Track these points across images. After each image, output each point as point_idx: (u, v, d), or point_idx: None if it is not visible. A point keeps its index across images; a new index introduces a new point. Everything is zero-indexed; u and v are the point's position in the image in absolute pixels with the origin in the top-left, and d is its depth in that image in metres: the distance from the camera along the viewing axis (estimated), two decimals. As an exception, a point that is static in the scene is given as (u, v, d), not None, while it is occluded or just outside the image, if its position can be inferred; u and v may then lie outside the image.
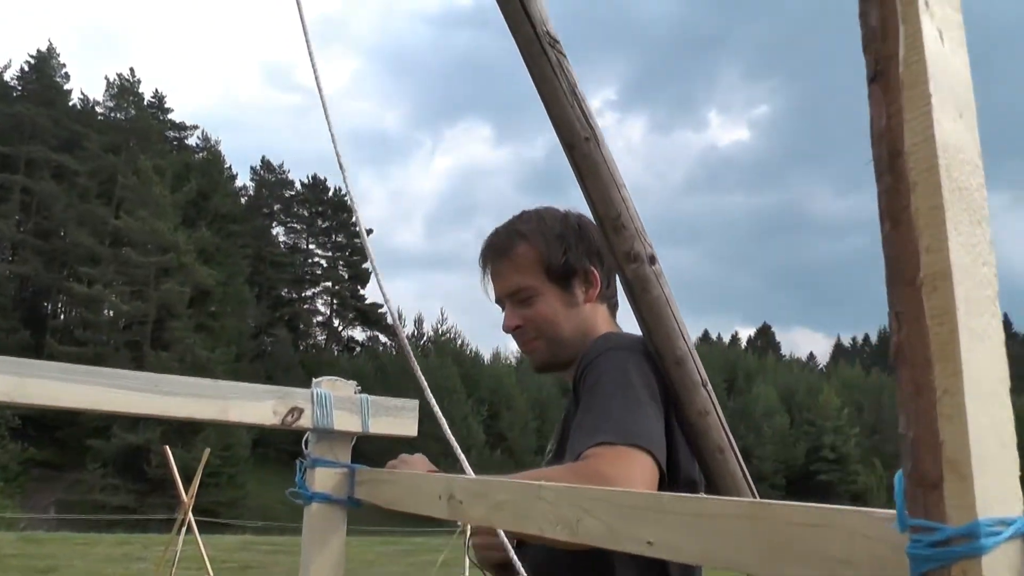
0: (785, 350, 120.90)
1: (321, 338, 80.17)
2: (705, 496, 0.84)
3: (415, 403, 1.79)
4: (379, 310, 78.39)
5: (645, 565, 1.71)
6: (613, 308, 2.01)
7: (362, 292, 79.09)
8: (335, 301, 79.59)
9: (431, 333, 71.72)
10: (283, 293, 77.25)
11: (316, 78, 1.98)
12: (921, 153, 0.59)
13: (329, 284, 78.94)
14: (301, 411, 1.66)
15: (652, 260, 1.81)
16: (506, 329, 1.93)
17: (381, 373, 58.00)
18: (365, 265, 78.67)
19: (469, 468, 1.64)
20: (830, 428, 71.97)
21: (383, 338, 78.67)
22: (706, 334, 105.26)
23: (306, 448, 1.70)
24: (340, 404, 1.69)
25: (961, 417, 0.56)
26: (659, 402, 1.70)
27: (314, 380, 1.71)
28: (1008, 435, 0.58)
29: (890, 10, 0.61)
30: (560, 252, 1.90)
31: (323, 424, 1.66)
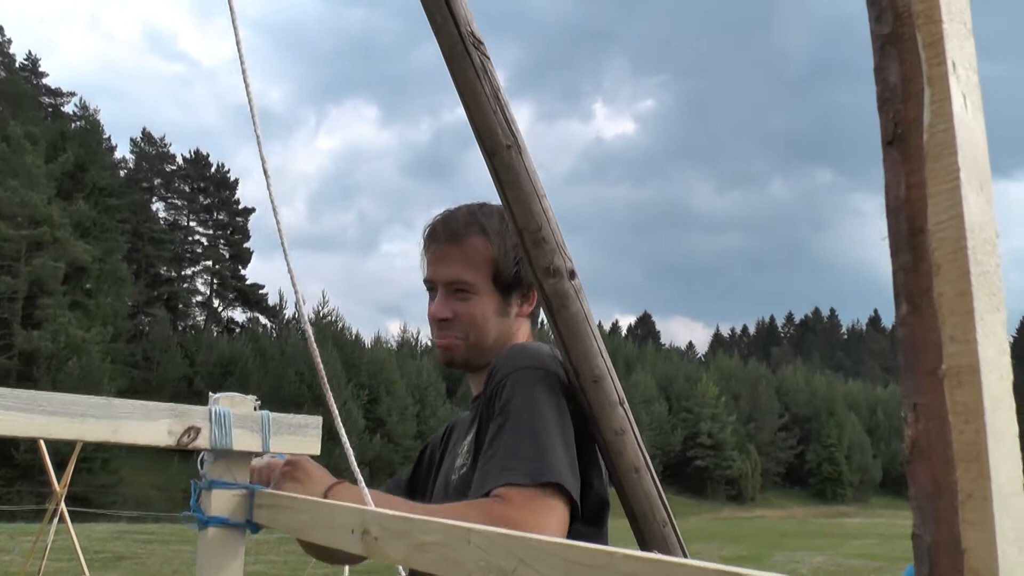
0: (665, 339, 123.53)
1: (200, 319, 78.43)
2: (663, 558, 0.78)
3: (318, 420, 1.70)
4: (260, 291, 77.21)
5: None
6: (534, 326, 1.97)
7: (243, 272, 77.69)
8: (215, 281, 77.93)
9: (312, 316, 70.74)
10: (162, 271, 75.34)
11: (240, 58, 1.86)
12: (947, 233, 0.54)
13: (209, 263, 77.16)
14: (198, 430, 1.55)
15: (572, 275, 1.76)
16: (432, 316, 1.85)
17: (260, 356, 57.09)
18: (247, 244, 77.36)
19: (365, 487, 1.54)
20: (707, 416, 73.82)
21: (264, 319, 77.43)
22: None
23: (202, 468, 1.60)
24: (239, 422, 1.59)
25: (988, 524, 0.52)
26: (570, 424, 1.67)
27: (212, 396, 1.61)
28: (1021, 530, 0.54)
29: (913, 69, 0.56)
30: (513, 262, 1.84)
31: (222, 444, 1.56)
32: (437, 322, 1.84)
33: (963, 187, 0.54)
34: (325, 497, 1.56)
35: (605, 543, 1.81)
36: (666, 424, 72.74)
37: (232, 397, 1.63)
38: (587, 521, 1.69)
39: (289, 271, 1.67)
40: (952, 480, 0.53)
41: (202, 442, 1.56)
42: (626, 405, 1.80)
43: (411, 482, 2.05)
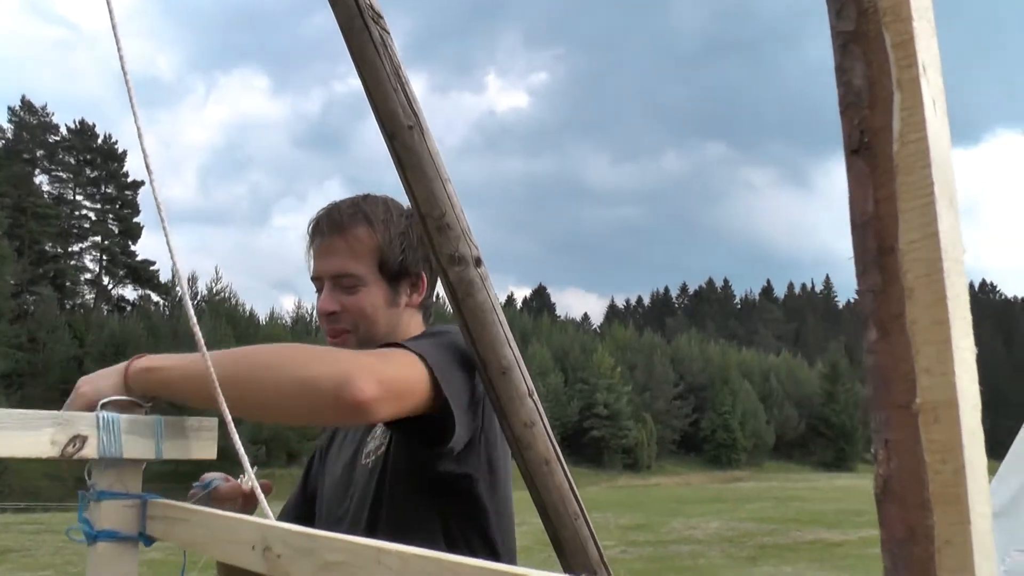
0: (560, 311, 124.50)
1: (89, 297, 76.26)
2: None
3: (214, 422, 1.60)
4: (151, 267, 75.38)
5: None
6: (427, 317, 1.92)
7: (133, 248, 75.76)
8: (104, 257, 75.77)
9: (205, 292, 69.47)
10: (47, 248, 72.89)
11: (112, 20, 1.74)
12: (921, 254, 0.49)
13: (98, 239, 75.01)
14: (85, 439, 1.44)
15: (478, 263, 1.70)
16: (321, 311, 1.78)
17: (153, 335, 55.82)
18: (137, 219, 75.35)
19: (253, 476, 1.47)
20: (603, 386, 74.71)
21: (155, 297, 75.65)
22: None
23: (89, 479, 1.50)
24: (129, 428, 1.49)
25: (968, 572, 0.47)
26: (478, 383, 1.66)
27: (100, 402, 1.50)
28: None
29: (880, 71, 0.51)
30: (399, 250, 1.79)
31: (110, 453, 1.45)
32: (326, 316, 1.79)
33: (937, 203, 0.49)
34: (128, 368, 1.51)
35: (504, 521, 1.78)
36: (562, 395, 73.46)
37: (121, 401, 1.52)
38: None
39: (168, 246, 1.57)
40: (928, 525, 0.48)
41: (89, 451, 1.44)
42: (535, 396, 1.75)
43: (304, 491, 1.99)
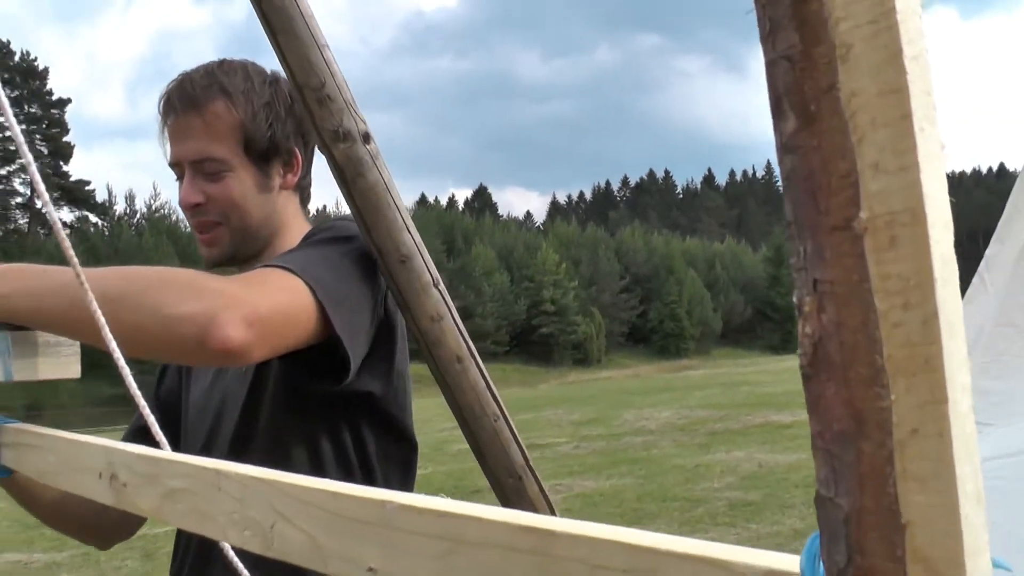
0: (502, 211, 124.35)
1: (23, 222, 74.48)
2: (453, 509, 0.55)
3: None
4: (86, 187, 73.76)
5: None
6: (305, 200, 1.69)
7: (65, 168, 73.89)
8: (34, 180, 73.75)
9: (144, 209, 68.18)
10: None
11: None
12: (861, -13, 0.31)
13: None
14: (-82, 361, 1.25)
15: (366, 138, 1.51)
16: (184, 204, 1.54)
17: (92, 256, 54.79)
18: (67, 139, 73.43)
19: (139, 396, 1.21)
20: (549, 283, 75.01)
21: (93, 218, 74.15)
22: (423, 198, 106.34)
23: None
24: (-31, 347, 1.29)
25: (945, 479, 0.30)
26: (374, 300, 1.46)
27: None
28: (980, 481, 0.33)
29: None
30: (265, 124, 1.54)
31: (-50, 376, 1.27)
32: (190, 209, 1.54)
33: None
34: None
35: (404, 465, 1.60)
36: (509, 295, 73.65)
37: None
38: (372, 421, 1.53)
39: (33, 180, 1.35)
40: (883, 408, 0.31)
41: (-82, 377, 1.26)
42: (442, 287, 1.59)
43: (155, 402, 1.75)
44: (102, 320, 1.05)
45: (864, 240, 0.31)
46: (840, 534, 0.33)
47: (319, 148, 1.49)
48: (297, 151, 1.60)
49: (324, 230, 1.52)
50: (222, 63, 1.58)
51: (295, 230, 1.61)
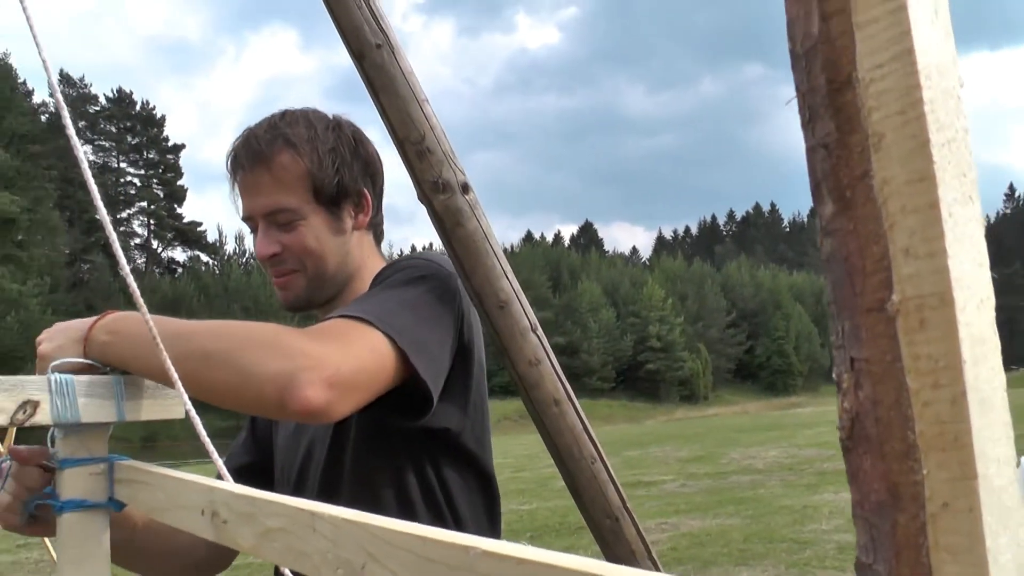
0: (608, 246, 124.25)
1: (140, 261, 77.28)
2: (533, 557, 0.57)
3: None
4: (198, 228, 76.13)
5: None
6: (379, 237, 1.72)
7: (179, 210, 76.52)
8: (152, 221, 76.67)
9: (251, 250, 70.01)
10: (96, 216, 73.70)
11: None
12: (890, 82, 0.33)
13: (144, 204, 75.88)
14: (36, 404, 1.31)
15: (465, 189, 1.55)
16: (261, 256, 1.58)
17: (204, 294, 56.41)
18: (180, 182, 76.03)
19: (204, 433, 1.23)
20: (655, 319, 74.42)
21: (205, 257, 76.47)
22: (529, 234, 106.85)
23: (52, 447, 1.38)
24: (86, 391, 1.36)
25: (976, 551, 0.32)
26: (451, 326, 1.47)
27: (52, 364, 1.37)
28: (1022, 553, 0.34)
29: None
30: (332, 169, 1.57)
31: (66, 418, 1.33)
32: (267, 260, 1.58)
33: (911, 6, 0.33)
34: (88, 334, 1.35)
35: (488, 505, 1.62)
36: (615, 330, 73.31)
37: (76, 363, 1.39)
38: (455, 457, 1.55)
39: (104, 220, 1.43)
40: (916, 481, 0.33)
41: (42, 417, 1.32)
42: (539, 331, 1.61)
43: (253, 434, 1.81)
44: (175, 376, 1.13)
45: (896, 322, 0.33)
46: (878, 600, 0.34)
47: (419, 199, 1.53)
48: (366, 191, 1.62)
49: (398, 270, 1.52)
50: (284, 114, 1.62)
51: (371, 268, 1.63)
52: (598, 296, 74.61)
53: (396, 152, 1.54)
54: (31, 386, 1.32)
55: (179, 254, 78.90)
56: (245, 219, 1.61)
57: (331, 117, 1.63)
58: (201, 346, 1.23)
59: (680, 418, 55.93)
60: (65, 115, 1.29)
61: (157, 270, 76.43)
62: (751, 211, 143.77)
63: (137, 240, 77.43)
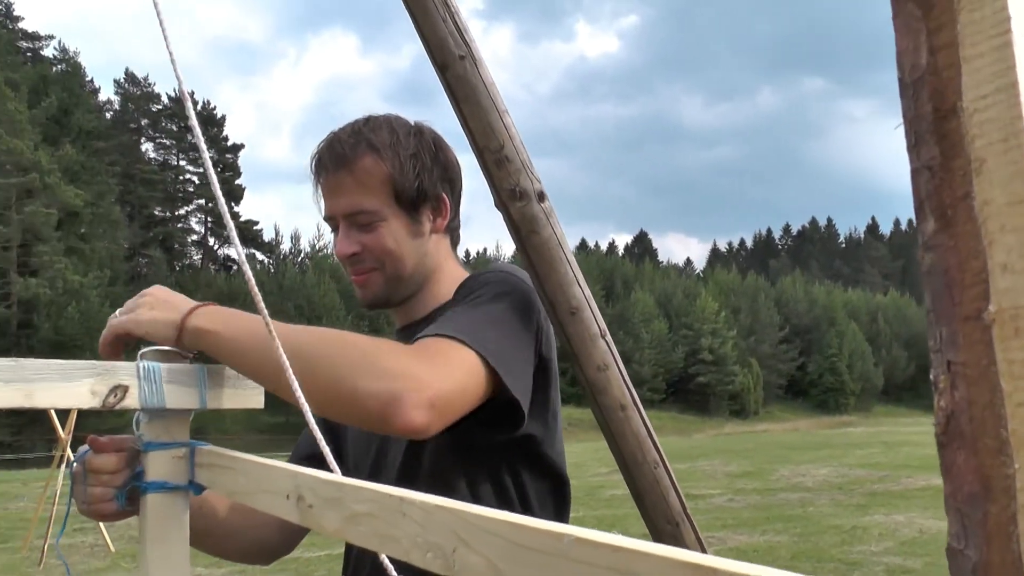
0: (662, 256, 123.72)
1: (197, 258, 78.62)
2: (625, 544, 0.61)
3: None
4: (255, 227, 77.11)
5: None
6: (455, 241, 1.76)
7: (236, 209, 77.53)
8: (209, 219, 77.79)
9: (308, 249, 70.76)
10: (155, 212, 75.20)
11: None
12: (993, 112, 0.37)
13: (202, 202, 77.07)
14: (126, 389, 1.38)
15: (541, 197, 1.60)
16: (340, 255, 1.65)
17: (259, 291, 57.04)
18: (239, 181, 77.09)
19: (310, 415, 1.29)
20: (707, 331, 73.96)
21: (260, 255, 77.40)
22: (583, 243, 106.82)
23: (137, 430, 1.45)
24: (172, 377, 1.42)
25: (1062, 538, 0.35)
26: (531, 340, 1.50)
27: (140, 351, 1.44)
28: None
29: None
30: (413, 174, 1.61)
31: (152, 403, 1.39)
32: (347, 259, 1.64)
33: (1016, 43, 0.36)
34: (184, 320, 1.40)
35: (560, 508, 1.65)
36: (667, 342, 72.98)
37: (165, 351, 1.47)
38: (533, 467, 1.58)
39: (223, 213, 1.49)
40: (1007, 475, 0.36)
41: (131, 401, 1.39)
42: (608, 337, 1.66)
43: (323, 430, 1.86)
44: (295, 383, 1.18)
45: (992, 329, 0.36)
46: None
47: (496, 206, 1.58)
48: (444, 196, 1.67)
49: (483, 284, 1.56)
50: (368, 120, 1.67)
51: (447, 271, 1.69)
52: (651, 307, 74.35)
53: (475, 159, 1.59)
54: (121, 372, 1.39)
55: (235, 251, 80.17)
56: (327, 219, 1.67)
57: (413, 123, 1.68)
58: (309, 353, 1.29)
59: (729, 432, 55.54)
60: (197, 132, 1.36)
61: (213, 266, 77.56)
62: (807, 226, 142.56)
63: (194, 237, 78.73)
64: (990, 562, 0.37)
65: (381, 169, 1.60)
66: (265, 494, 1.20)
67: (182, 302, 1.44)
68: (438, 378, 1.28)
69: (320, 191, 1.66)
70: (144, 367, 1.40)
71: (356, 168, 1.60)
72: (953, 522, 0.38)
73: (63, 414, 11.99)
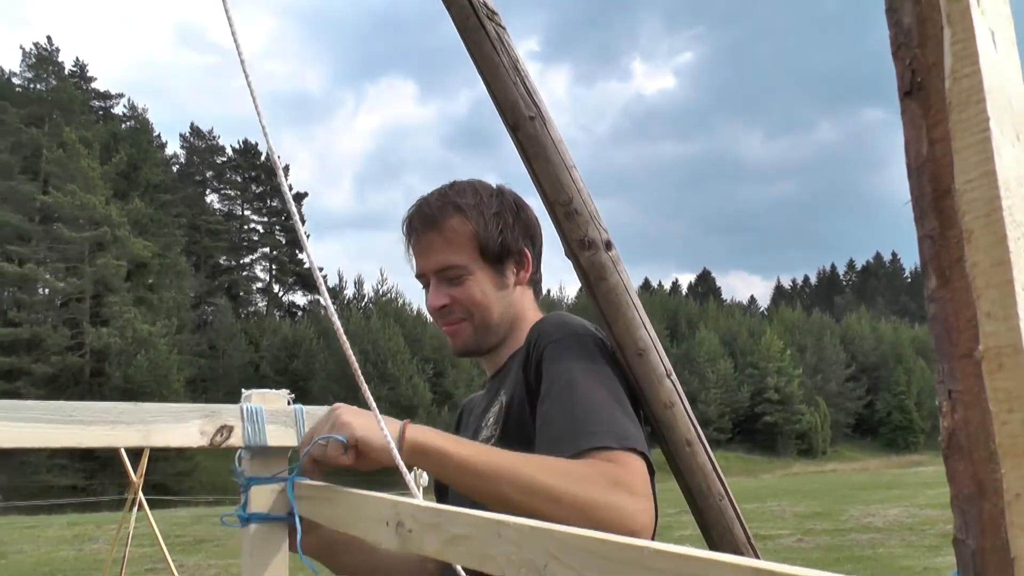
0: (725, 295, 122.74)
1: (262, 305, 79.72)
2: (697, 554, 0.72)
3: None
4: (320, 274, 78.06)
5: None
6: (538, 292, 1.90)
7: (300, 256, 78.58)
8: (274, 267, 79.07)
9: (371, 294, 71.46)
10: (221, 261, 76.61)
11: (233, 35, 1.81)
12: (978, 192, 0.47)
13: (267, 250, 78.34)
14: (231, 429, 1.52)
15: (608, 246, 1.70)
16: (432, 308, 1.78)
17: (324, 337, 57.66)
18: (303, 229, 78.15)
19: (404, 467, 1.44)
20: (773, 370, 73.03)
21: (324, 302, 78.32)
22: (646, 282, 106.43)
23: (239, 466, 1.57)
24: (273, 418, 1.56)
25: (1041, 530, 0.45)
26: (621, 388, 1.63)
27: (243, 393, 1.58)
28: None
29: (930, 6, 0.49)
30: (496, 231, 1.77)
31: (255, 441, 1.53)
32: (438, 311, 1.78)
33: (994, 138, 0.47)
34: (401, 440, 1.48)
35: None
36: (732, 381, 72.21)
37: (264, 393, 1.60)
38: None
39: (309, 259, 1.62)
40: (996, 479, 0.46)
41: (235, 440, 1.53)
42: (673, 377, 1.74)
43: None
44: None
45: (982, 365, 0.46)
46: (969, 566, 0.47)
47: (566, 255, 1.69)
48: (527, 251, 1.82)
49: (562, 336, 1.66)
50: (453, 184, 1.84)
51: (530, 320, 1.80)
52: (716, 346, 73.75)
53: (546, 212, 1.71)
54: (227, 413, 1.53)
55: (299, 298, 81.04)
56: (418, 276, 1.82)
57: (495, 186, 1.82)
58: (521, 484, 1.40)
59: (797, 472, 54.87)
60: (281, 178, 1.49)
61: (278, 313, 78.64)
62: (871, 260, 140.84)
63: (259, 284, 79.96)
64: (985, 548, 0.46)
65: (467, 228, 1.75)
66: (364, 521, 1.31)
67: (388, 424, 1.51)
68: (630, 507, 1.42)
69: (411, 251, 1.80)
70: (247, 408, 1.54)
71: (444, 228, 1.75)
72: (957, 518, 0.48)
73: (135, 458, 12.28)
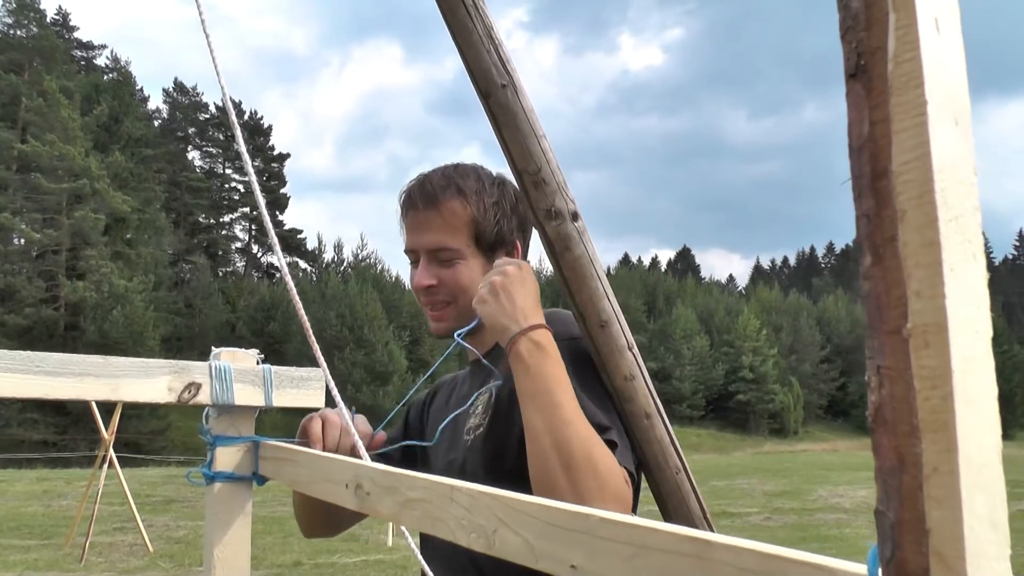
0: (705, 272, 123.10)
1: (240, 265, 79.47)
2: (639, 523, 0.73)
3: (319, 372, 1.67)
4: (298, 236, 77.79)
5: None
6: None
7: (280, 217, 78.41)
8: (253, 227, 78.70)
9: (351, 258, 71.28)
10: (200, 219, 76.22)
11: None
12: (913, 175, 0.48)
13: (247, 210, 77.95)
14: (199, 386, 1.53)
15: (575, 217, 1.71)
16: (417, 286, 1.79)
17: (301, 299, 57.50)
18: (283, 190, 77.83)
19: (350, 421, 1.55)
20: (749, 349, 73.38)
21: (303, 264, 78.12)
22: (626, 257, 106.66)
23: (206, 424, 1.58)
24: (241, 377, 1.57)
25: (954, 501, 0.46)
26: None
27: (212, 351, 1.58)
28: (1001, 513, 0.48)
29: (876, -9, 0.50)
30: (494, 220, 1.79)
31: (223, 400, 1.54)
32: (423, 290, 1.79)
33: (931, 122, 0.48)
34: (530, 329, 1.59)
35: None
36: (708, 359, 72.54)
37: (234, 352, 1.61)
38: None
39: (266, 226, 1.62)
40: (916, 452, 0.47)
41: (203, 398, 1.54)
42: (635, 350, 1.76)
43: (404, 434, 2.00)
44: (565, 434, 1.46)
45: (909, 342, 0.48)
46: (888, 536, 0.49)
47: (534, 225, 1.70)
48: (518, 242, 1.84)
49: (579, 360, 1.72)
50: (457, 166, 1.84)
51: None
52: (692, 323, 73.99)
53: (515, 181, 1.72)
54: (195, 370, 1.54)
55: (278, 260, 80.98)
56: (408, 251, 1.82)
57: (496, 175, 1.83)
58: (567, 435, 1.48)
59: (768, 451, 55.30)
60: (240, 141, 1.49)
61: (256, 274, 78.46)
62: (851, 244, 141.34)
63: (238, 244, 79.72)
64: (903, 520, 0.48)
65: (466, 212, 1.76)
66: (326, 483, 1.33)
67: (532, 311, 1.62)
68: (624, 487, 1.53)
69: (405, 224, 1.81)
70: (216, 366, 1.54)
71: (443, 208, 1.76)
72: (880, 490, 0.49)
73: (107, 415, 12.28)
